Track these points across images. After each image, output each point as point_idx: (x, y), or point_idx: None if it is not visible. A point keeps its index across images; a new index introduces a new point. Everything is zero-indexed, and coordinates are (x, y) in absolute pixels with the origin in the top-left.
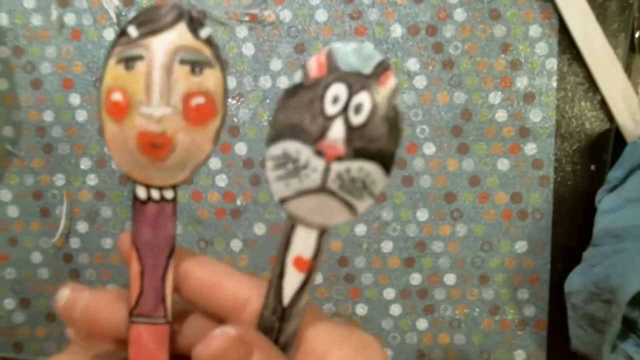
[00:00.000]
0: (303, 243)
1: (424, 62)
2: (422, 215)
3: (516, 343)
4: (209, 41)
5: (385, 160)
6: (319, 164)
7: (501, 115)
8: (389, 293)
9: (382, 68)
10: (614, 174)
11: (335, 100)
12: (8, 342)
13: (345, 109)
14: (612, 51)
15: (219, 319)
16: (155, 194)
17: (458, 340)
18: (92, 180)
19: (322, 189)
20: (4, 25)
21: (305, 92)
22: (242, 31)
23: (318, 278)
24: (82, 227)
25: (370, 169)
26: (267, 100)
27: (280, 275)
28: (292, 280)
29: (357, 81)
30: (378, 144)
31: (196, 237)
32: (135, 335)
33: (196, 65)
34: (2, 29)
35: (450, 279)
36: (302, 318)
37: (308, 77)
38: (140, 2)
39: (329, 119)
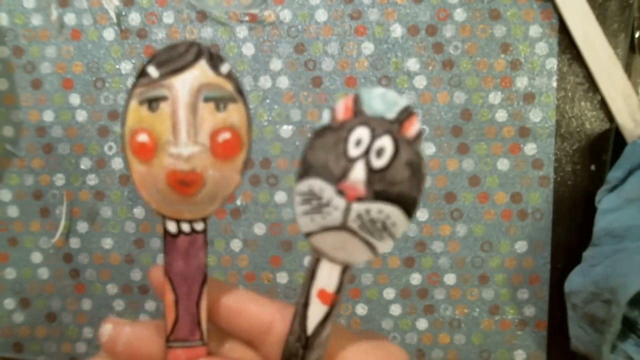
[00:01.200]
0: (327, 277)
1: (424, 62)
2: (422, 215)
3: (516, 343)
4: (230, 76)
5: (407, 204)
6: (340, 203)
7: (501, 115)
8: (389, 293)
9: (406, 114)
10: (614, 174)
11: (358, 143)
12: (8, 342)
13: (367, 152)
14: (612, 51)
15: (249, 343)
16: (185, 227)
17: (458, 340)
18: (92, 180)
19: (343, 227)
20: (4, 25)
21: (332, 133)
22: (242, 31)
23: None
24: (82, 227)
25: (390, 211)
26: (267, 100)
27: (305, 305)
28: (316, 310)
29: (380, 125)
30: (399, 188)
31: None
32: (173, 359)
33: (220, 102)
34: (2, 29)
35: (450, 279)
36: (324, 348)
37: (335, 119)
38: (140, 2)
39: (351, 161)
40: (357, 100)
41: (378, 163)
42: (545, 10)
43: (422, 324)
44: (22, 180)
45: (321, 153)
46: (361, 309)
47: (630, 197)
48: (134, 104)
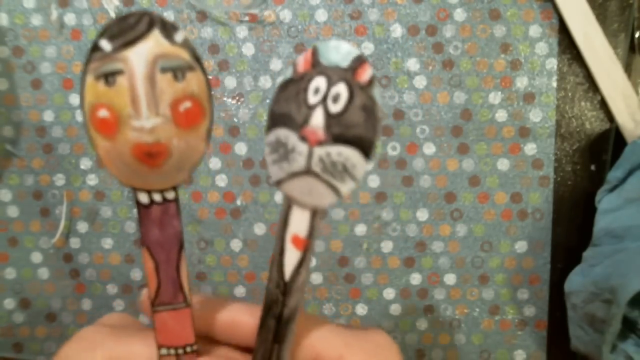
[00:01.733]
0: (298, 222)
1: (424, 62)
2: (422, 215)
3: (516, 343)
4: (185, 44)
5: (364, 146)
6: (303, 148)
7: (501, 115)
8: (389, 293)
9: (359, 62)
10: (614, 174)
11: (317, 91)
12: (8, 342)
13: (324, 98)
14: (612, 51)
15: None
16: (157, 197)
17: (458, 340)
18: (92, 180)
19: (308, 171)
20: (4, 25)
21: (293, 85)
22: (242, 31)
23: (318, 278)
24: (82, 227)
25: (349, 153)
26: (267, 100)
27: (281, 252)
28: (291, 257)
29: (335, 74)
30: (355, 131)
31: (196, 237)
32: (160, 322)
33: (178, 71)
34: (2, 29)
35: (450, 279)
36: (302, 294)
37: (296, 72)
38: (140, 2)
39: (311, 108)
40: (314, 53)
41: (335, 108)
42: (545, 10)
43: (422, 324)
44: (22, 180)
45: (285, 104)
46: (361, 309)
47: (630, 197)
48: (90, 79)
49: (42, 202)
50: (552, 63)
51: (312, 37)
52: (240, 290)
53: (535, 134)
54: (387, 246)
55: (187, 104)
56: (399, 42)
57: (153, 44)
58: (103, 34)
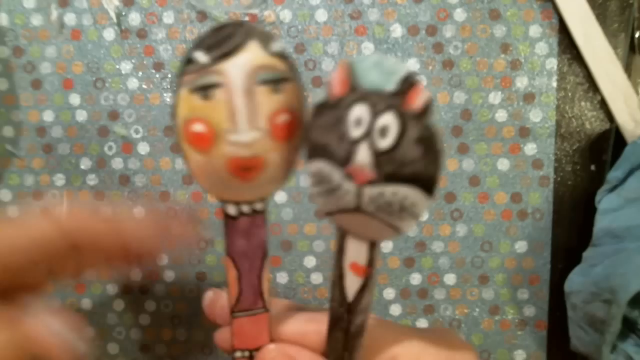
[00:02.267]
0: (356, 252)
1: (424, 62)
2: (422, 215)
3: (516, 343)
4: (282, 54)
5: (424, 183)
6: (350, 187)
7: (501, 115)
8: (389, 293)
9: (408, 83)
10: (614, 174)
11: (359, 122)
12: None
13: (369, 132)
14: (612, 51)
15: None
16: (246, 209)
17: None
18: (92, 180)
19: (359, 210)
20: (4, 25)
21: (330, 111)
22: None
23: (318, 278)
24: None
25: (406, 192)
26: None
27: (340, 277)
28: (352, 281)
29: (380, 101)
30: (412, 168)
31: (196, 237)
32: (238, 327)
33: (276, 83)
34: (2, 29)
35: (450, 279)
36: (368, 313)
37: (332, 94)
38: (140, 2)
39: (354, 143)
40: (350, 72)
41: (383, 144)
42: (545, 10)
43: (422, 324)
44: (22, 180)
45: (322, 134)
46: None
47: (630, 197)
48: (184, 92)
49: (42, 202)
50: (552, 63)
51: (312, 37)
52: None
53: (535, 134)
54: (387, 246)
55: (284, 117)
56: (399, 42)
57: (251, 55)
58: (198, 45)
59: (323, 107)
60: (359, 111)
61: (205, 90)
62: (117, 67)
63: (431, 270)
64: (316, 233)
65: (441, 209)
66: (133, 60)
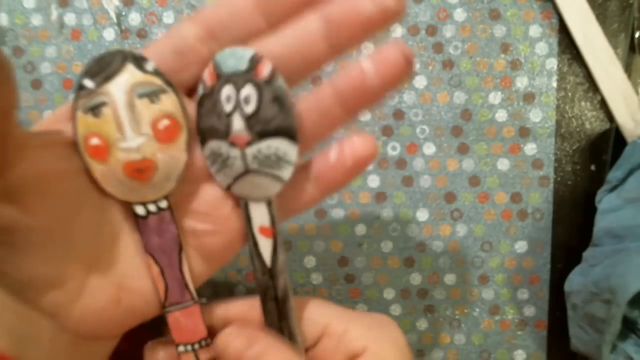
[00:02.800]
0: (259, 215)
1: (424, 62)
2: (422, 215)
3: (516, 343)
4: (155, 72)
5: (288, 132)
6: (236, 153)
7: (501, 115)
8: (389, 293)
9: (255, 61)
10: (614, 174)
11: (228, 99)
12: None
13: (237, 104)
14: (612, 51)
15: None
16: (152, 208)
17: (458, 340)
18: None
19: (247, 170)
20: (4, 25)
21: (208, 99)
22: None
23: (318, 278)
24: None
25: (276, 143)
26: None
27: (255, 244)
28: (265, 245)
29: (239, 78)
30: (274, 122)
31: None
32: (173, 321)
33: (152, 95)
34: (2, 29)
35: (450, 279)
36: (286, 274)
37: (206, 86)
38: (140, 2)
39: (229, 116)
40: (215, 65)
41: (249, 109)
42: (545, 10)
43: (422, 324)
44: None
45: (207, 118)
46: (361, 309)
47: (630, 197)
48: (80, 114)
49: None
50: (552, 63)
51: None
52: (240, 290)
53: (535, 134)
54: (387, 246)
55: (165, 122)
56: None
57: (128, 76)
58: (85, 74)
59: (202, 98)
60: (227, 90)
61: (94, 109)
62: None
63: (431, 270)
64: (316, 233)
65: (441, 209)
66: None
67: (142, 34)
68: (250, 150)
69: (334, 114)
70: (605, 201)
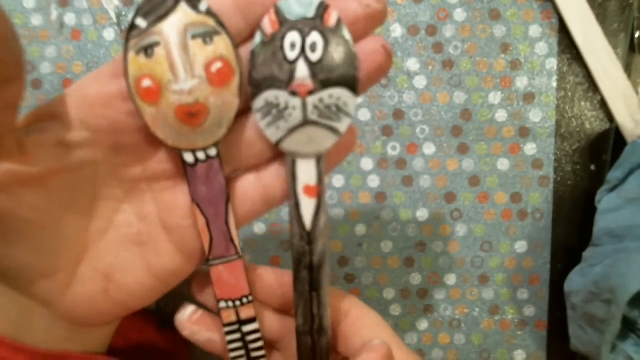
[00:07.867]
0: (306, 172)
1: (424, 62)
2: (422, 215)
3: (516, 343)
4: (209, 12)
5: (349, 83)
6: (296, 102)
7: (501, 115)
8: (389, 293)
9: (323, 8)
10: (614, 174)
11: (293, 46)
12: None
13: (303, 50)
14: (612, 51)
15: None
16: (201, 155)
17: (458, 340)
18: None
19: (306, 122)
20: None
21: (267, 47)
22: None
23: None
24: None
25: (338, 93)
26: None
27: (297, 205)
28: (307, 206)
29: (305, 25)
30: (338, 71)
31: None
32: (217, 276)
33: (206, 36)
34: None
35: (450, 279)
36: (326, 238)
37: (266, 34)
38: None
39: (293, 63)
40: (278, 12)
41: (315, 56)
42: (545, 10)
43: (422, 324)
44: None
45: (264, 67)
46: None
47: (630, 197)
48: (131, 55)
49: None
50: (552, 63)
51: None
52: None
53: (535, 134)
54: (387, 246)
55: (218, 64)
56: (399, 42)
57: (182, 15)
58: (137, 13)
59: (260, 48)
60: (292, 37)
61: (147, 49)
62: None
63: (431, 270)
64: None
65: (441, 209)
66: None
67: None
68: (312, 100)
69: None
70: (605, 201)
